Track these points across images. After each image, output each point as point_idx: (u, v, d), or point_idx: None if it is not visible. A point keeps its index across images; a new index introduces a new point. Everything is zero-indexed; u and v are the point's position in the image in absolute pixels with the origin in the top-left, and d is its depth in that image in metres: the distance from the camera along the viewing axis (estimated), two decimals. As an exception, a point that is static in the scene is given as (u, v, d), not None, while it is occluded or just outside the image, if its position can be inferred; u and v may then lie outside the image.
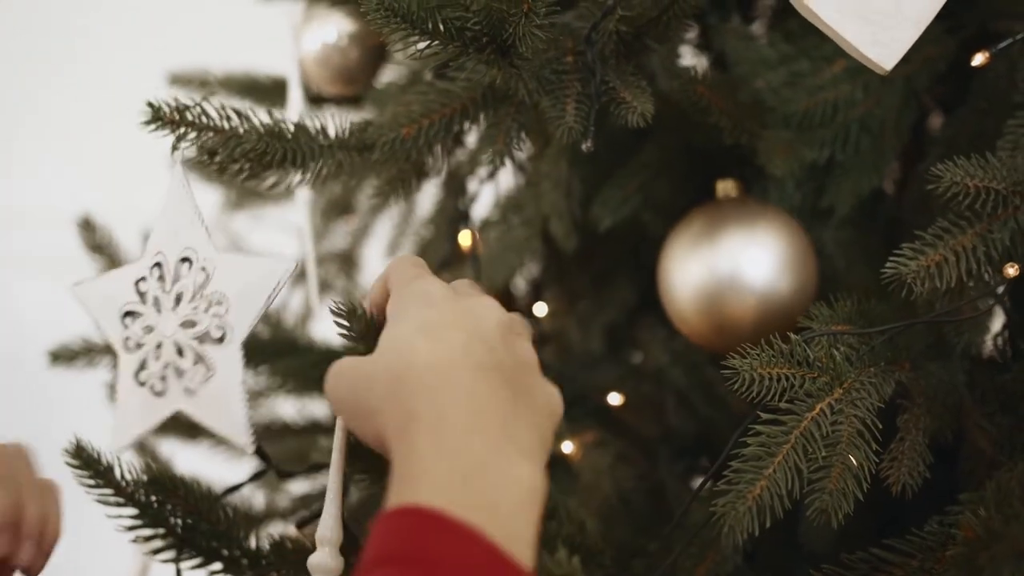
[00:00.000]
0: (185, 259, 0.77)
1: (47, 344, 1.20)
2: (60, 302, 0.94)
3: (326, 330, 1.28)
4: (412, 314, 0.63)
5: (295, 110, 1.06)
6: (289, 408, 1.20)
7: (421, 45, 0.77)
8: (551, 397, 0.63)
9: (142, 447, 1.20)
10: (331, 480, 0.71)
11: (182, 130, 0.78)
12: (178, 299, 0.77)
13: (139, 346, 0.77)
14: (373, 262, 1.42)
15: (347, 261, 1.41)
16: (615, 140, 0.98)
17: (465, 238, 1.20)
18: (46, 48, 2.42)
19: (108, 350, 1.11)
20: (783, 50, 0.98)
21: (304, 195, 1.06)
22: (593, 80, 0.82)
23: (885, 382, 0.76)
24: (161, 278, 0.78)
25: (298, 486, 1.14)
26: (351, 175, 0.86)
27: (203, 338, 0.75)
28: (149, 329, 0.77)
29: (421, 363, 0.59)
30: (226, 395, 0.74)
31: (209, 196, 1.42)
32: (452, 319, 0.62)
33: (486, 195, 1.14)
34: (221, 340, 0.74)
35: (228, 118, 0.79)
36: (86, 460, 0.81)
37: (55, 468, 0.85)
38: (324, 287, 1.41)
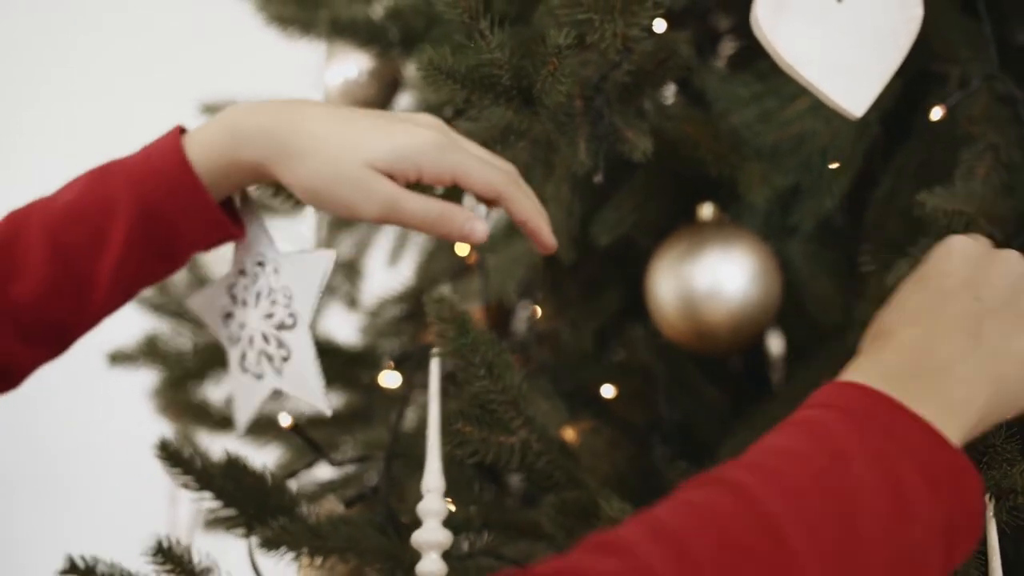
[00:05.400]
0: (260, 263, 0.91)
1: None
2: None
3: (341, 331, 1.42)
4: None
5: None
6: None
7: (461, 96, 0.91)
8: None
9: (185, 437, 1.32)
10: (430, 436, 0.84)
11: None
12: (258, 296, 0.90)
13: (238, 340, 0.91)
14: (375, 271, 1.54)
15: (351, 269, 1.54)
16: (610, 168, 1.13)
17: (463, 249, 1.33)
18: (49, 60, 2.50)
19: (149, 352, 1.23)
20: (755, 89, 1.11)
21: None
22: (602, 122, 0.97)
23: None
24: (245, 283, 0.92)
25: (323, 472, 1.27)
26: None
27: (280, 326, 0.89)
28: (242, 325, 0.91)
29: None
30: (304, 371, 0.87)
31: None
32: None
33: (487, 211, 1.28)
34: (293, 326, 0.88)
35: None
36: (171, 454, 0.94)
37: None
38: (329, 291, 1.54)
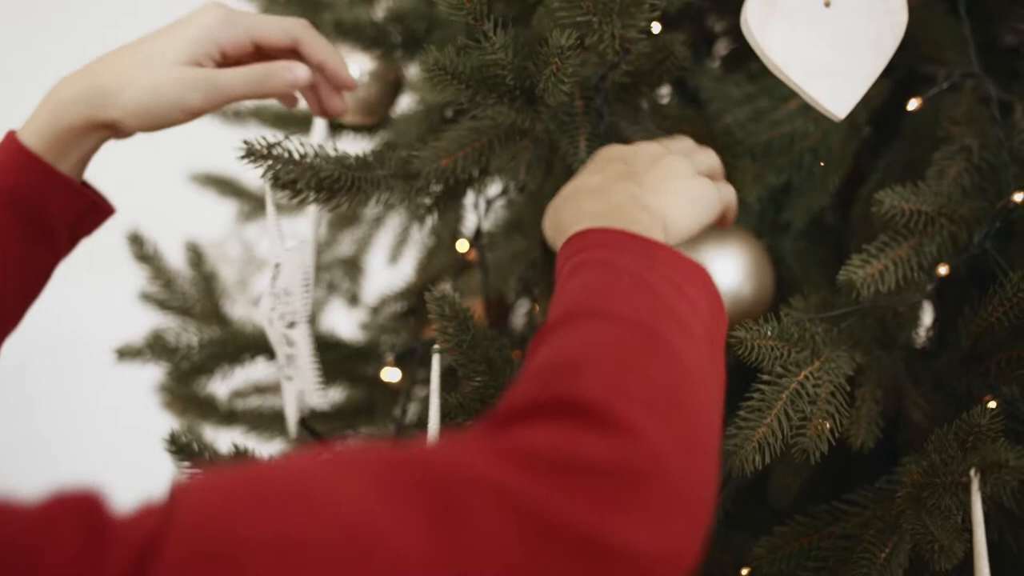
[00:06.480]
0: (277, 264, 0.95)
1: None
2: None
3: (344, 327, 1.45)
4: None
5: (319, 138, 1.20)
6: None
7: (466, 95, 0.94)
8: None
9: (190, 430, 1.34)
10: (431, 430, 0.86)
11: (270, 162, 0.92)
12: (275, 299, 0.94)
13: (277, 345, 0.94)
14: (376, 268, 1.57)
15: (352, 267, 1.56)
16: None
17: (463, 246, 1.36)
18: (49, 60, 2.50)
19: (155, 348, 1.26)
20: (747, 90, 1.15)
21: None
22: (601, 122, 1.00)
23: (848, 360, 0.94)
24: (273, 278, 0.95)
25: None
26: (397, 198, 1.01)
27: (290, 325, 0.92)
28: (271, 321, 0.94)
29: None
30: (303, 365, 0.91)
31: (225, 208, 1.56)
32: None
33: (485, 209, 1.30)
34: (293, 325, 0.91)
35: (305, 154, 0.94)
36: (181, 447, 0.96)
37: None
38: (331, 289, 1.56)
